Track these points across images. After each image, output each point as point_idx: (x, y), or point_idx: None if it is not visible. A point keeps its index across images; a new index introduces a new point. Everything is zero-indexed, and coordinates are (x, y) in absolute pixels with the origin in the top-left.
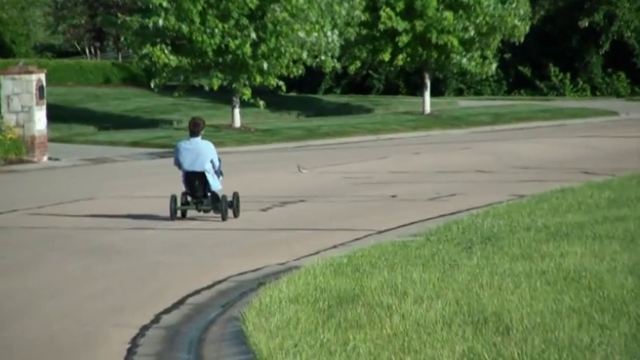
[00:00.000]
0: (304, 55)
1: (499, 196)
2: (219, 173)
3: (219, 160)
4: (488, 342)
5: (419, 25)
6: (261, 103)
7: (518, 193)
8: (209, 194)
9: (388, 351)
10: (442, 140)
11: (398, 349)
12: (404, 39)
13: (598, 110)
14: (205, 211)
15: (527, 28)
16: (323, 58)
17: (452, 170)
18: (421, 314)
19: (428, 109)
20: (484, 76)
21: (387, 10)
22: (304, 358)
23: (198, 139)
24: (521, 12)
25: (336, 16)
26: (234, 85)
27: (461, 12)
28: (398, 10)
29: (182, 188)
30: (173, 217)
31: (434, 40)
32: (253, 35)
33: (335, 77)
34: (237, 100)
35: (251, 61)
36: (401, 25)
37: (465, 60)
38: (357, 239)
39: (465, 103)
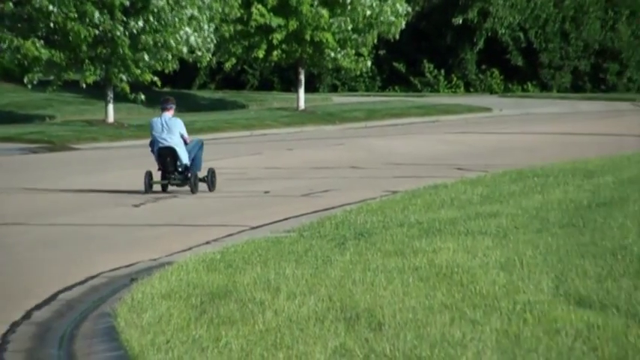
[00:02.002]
0: (184, 49)
1: (373, 192)
2: (195, 160)
3: (200, 149)
4: (361, 338)
5: (293, 22)
6: (142, 97)
7: (391, 189)
8: (179, 169)
9: (260, 347)
10: (316, 136)
11: (270, 345)
12: (278, 36)
13: (472, 106)
14: (177, 185)
15: (404, 24)
16: (199, 53)
17: (325, 166)
18: (294, 310)
19: (302, 105)
20: (358, 73)
21: (259, 6)
22: (176, 354)
23: (169, 115)
24: (399, 8)
25: (213, 12)
26: (112, 80)
27: (337, 9)
28: (269, 6)
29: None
30: (148, 190)
31: (308, 37)
32: (140, 24)
33: (209, 73)
34: (111, 95)
35: (130, 54)
36: (274, 21)
37: (339, 56)
38: (230, 235)
39: (340, 99)
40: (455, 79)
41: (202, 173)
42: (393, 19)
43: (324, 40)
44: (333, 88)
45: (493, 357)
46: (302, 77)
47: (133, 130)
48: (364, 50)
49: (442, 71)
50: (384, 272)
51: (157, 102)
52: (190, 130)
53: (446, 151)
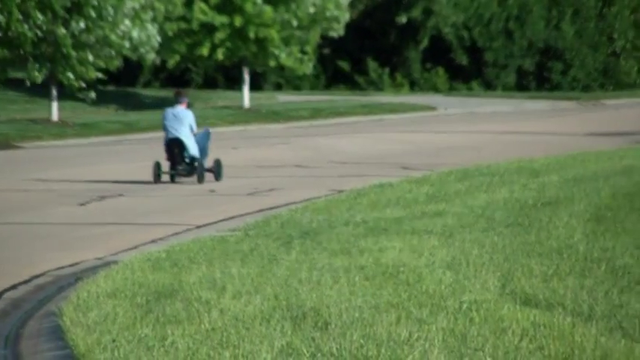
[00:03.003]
0: (126, 45)
1: (318, 191)
2: (202, 150)
3: (207, 138)
4: (307, 337)
5: (237, 20)
6: (92, 94)
7: (337, 188)
8: (187, 160)
9: (207, 346)
10: (261, 135)
11: (216, 344)
12: (221, 34)
13: (416, 105)
14: (184, 175)
15: (347, 17)
16: (143, 51)
17: (271, 165)
18: (240, 309)
19: (247, 103)
20: (302, 73)
21: (201, 4)
22: (122, 353)
23: (181, 108)
24: (342, 2)
25: (156, 11)
26: (56, 78)
27: (281, 5)
28: (212, 4)
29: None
30: (157, 180)
31: (252, 35)
32: (82, 24)
33: (153, 71)
34: (56, 93)
35: (73, 53)
36: (217, 19)
37: (283, 55)
38: (175, 234)
39: (284, 97)
40: (399, 77)
41: (209, 164)
42: (336, 13)
43: (268, 38)
44: (278, 87)
45: (440, 356)
46: (246, 76)
47: (78, 128)
48: (308, 48)
49: (386, 70)
50: (330, 271)
51: (101, 100)
52: (135, 128)
53: (391, 150)
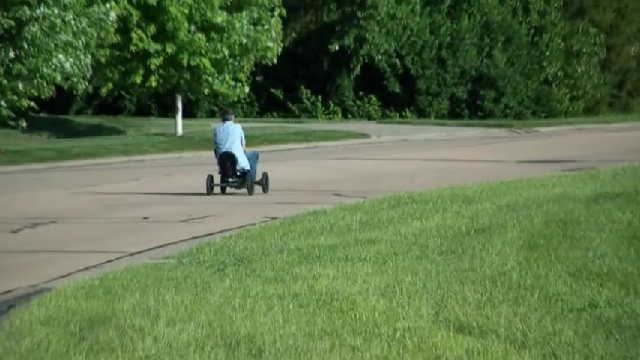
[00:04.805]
0: (58, 77)
1: (252, 218)
2: (253, 166)
3: (256, 160)
4: None
5: (170, 47)
6: (24, 123)
7: (270, 215)
8: (238, 173)
9: None
10: (194, 162)
11: None
12: (155, 61)
13: (350, 133)
14: (235, 187)
15: (280, 49)
16: (75, 80)
17: (204, 192)
18: (174, 336)
19: (180, 131)
20: (236, 99)
21: (139, 32)
22: None
23: (229, 123)
24: (274, 34)
25: (89, 38)
26: None
27: (213, 34)
28: (149, 33)
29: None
30: (210, 192)
31: (185, 62)
32: (11, 54)
33: (86, 98)
34: None
35: (5, 81)
36: (153, 47)
37: (217, 82)
38: (109, 261)
39: (217, 124)
40: (332, 105)
41: (257, 177)
42: (269, 44)
43: (201, 66)
44: (211, 114)
45: None
46: (179, 103)
47: (10, 155)
48: (241, 76)
49: (320, 97)
50: (264, 298)
51: (34, 128)
52: (68, 155)
53: (325, 177)
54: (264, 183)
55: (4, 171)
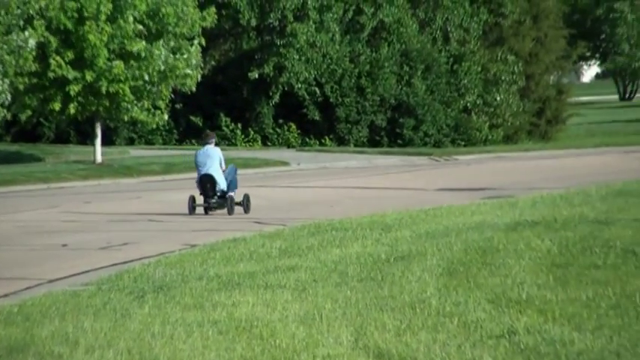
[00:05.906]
0: None
1: (171, 245)
2: (231, 183)
3: (235, 172)
4: None
5: (89, 74)
6: None
7: (190, 242)
8: (218, 194)
9: None
10: (114, 189)
11: None
12: (74, 88)
13: (269, 160)
14: (216, 207)
15: (199, 77)
16: None
17: (124, 219)
18: None
19: (99, 158)
20: (155, 126)
21: (57, 58)
22: None
23: (209, 146)
24: (193, 62)
25: (7, 66)
26: None
27: (132, 62)
28: (67, 59)
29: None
30: (191, 212)
31: (104, 89)
32: None
33: (5, 125)
34: None
35: None
36: (71, 73)
37: (136, 109)
38: (28, 288)
39: (137, 152)
40: (252, 132)
41: (238, 198)
42: (188, 71)
43: (120, 93)
44: (130, 141)
45: None
46: (99, 130)
47: None
48: (161, 103)
49: (239, 125)
50: (184, 325)
51: None
52: None
53: None
54: (244, 204)
55: None
